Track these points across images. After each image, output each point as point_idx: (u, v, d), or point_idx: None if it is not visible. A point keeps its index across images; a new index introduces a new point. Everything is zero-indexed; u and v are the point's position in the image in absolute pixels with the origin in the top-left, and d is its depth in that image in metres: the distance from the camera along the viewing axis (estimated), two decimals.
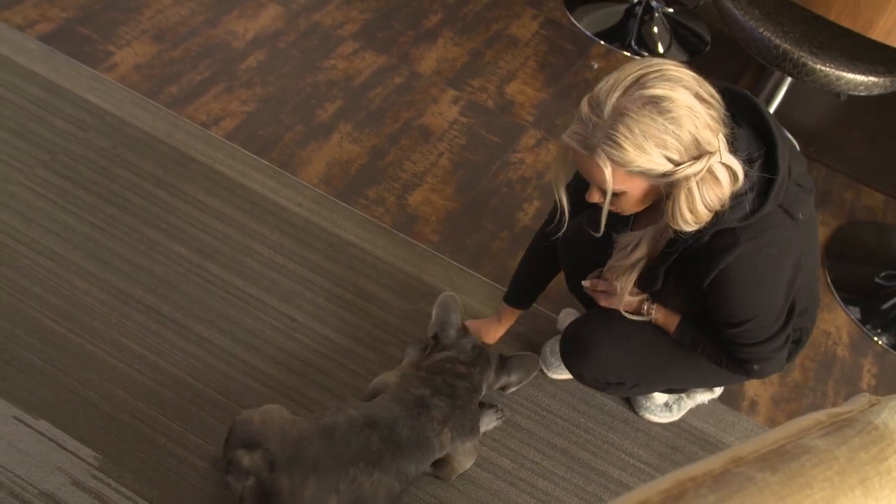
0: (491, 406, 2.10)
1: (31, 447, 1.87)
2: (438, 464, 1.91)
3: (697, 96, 1.34)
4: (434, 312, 2.07)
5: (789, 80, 2.73)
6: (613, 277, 1.69)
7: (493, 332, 2.19)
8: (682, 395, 2.17)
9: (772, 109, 2.86)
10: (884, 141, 3.28)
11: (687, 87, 1.34)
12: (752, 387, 2.34)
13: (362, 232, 2.44)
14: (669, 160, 1.35)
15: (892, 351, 2.56)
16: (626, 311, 1.77)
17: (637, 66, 1.36)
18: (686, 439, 2.19)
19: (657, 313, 1.76)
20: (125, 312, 2.15)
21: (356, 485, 1.69)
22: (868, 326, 2.61)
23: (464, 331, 2.04)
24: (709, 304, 1.63)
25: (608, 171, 1.39)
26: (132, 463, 1.89)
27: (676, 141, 1.34)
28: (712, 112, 1.36)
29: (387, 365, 2.15)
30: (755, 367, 1.72)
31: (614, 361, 1.89)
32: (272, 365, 2.12)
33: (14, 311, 2.10)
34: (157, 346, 2.10)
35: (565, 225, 1.66)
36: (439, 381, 1.90)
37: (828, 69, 2.26)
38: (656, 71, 1.34)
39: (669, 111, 1.32)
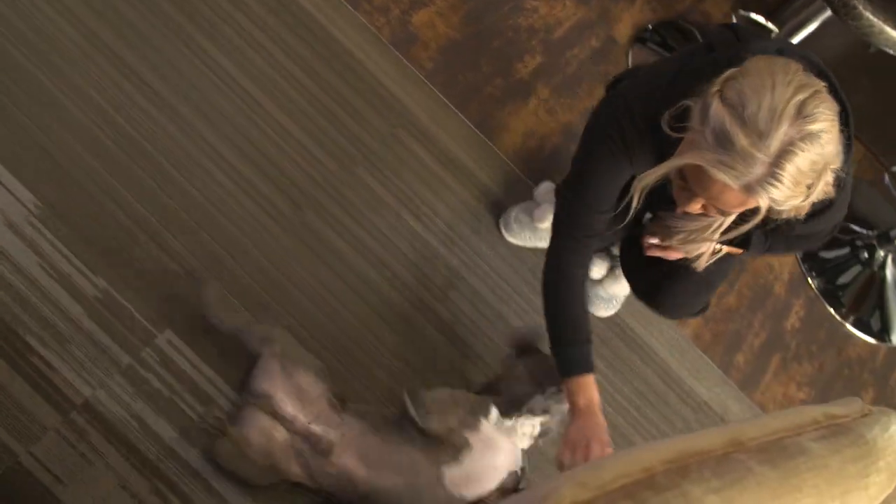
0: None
1: None
2: None
3: (837, 113, 1.27)
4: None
5: (828, 14, 2.62)
6: (681, 245, 1.64)
7: (599, 427, 1.65)
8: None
9: (795, 40, 2.77)
10: (887, 100, 3.24)
11: (833, 109, 1.25)
12: None
13: (358, 39, 2.28)
14: (807, 188, 1.27)
15: (822, 298, 2.65)
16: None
17: (790, 87, 1.22)
18: (616, 334, 2.24)
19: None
20: (89, 53, 1.97)
21: None
22: (806, 266, 2.67)
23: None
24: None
25: (763, 206, 1.28)
26: (74, 220, 1.80)
27: (820, 170, 1.26)
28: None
29: (350, 183, 2.09)
30: None
31: (698, 299, 1.90)
32: (231, 149, 2.01)
33: None
34: (119, 101, 1.95)
35: (625, 222, 1.57)
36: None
37: (874, 20, 2.16)
38: (813, 95, 1.22)
39: (828, 143, 1.24)
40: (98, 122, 1.91)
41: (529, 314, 2.16)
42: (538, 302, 2.16)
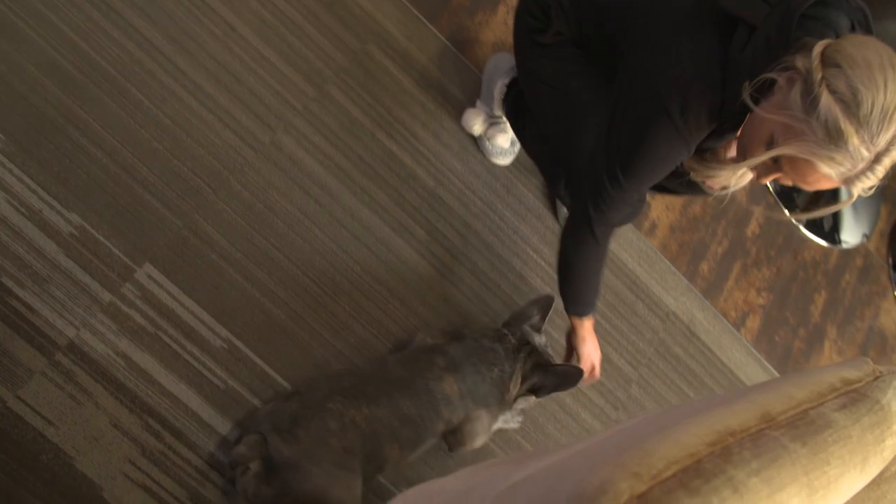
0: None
1: None
2: (451, 432, 1.82)
3: None
4: (530, 300, 1.95)
5: None
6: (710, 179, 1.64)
7: (593, 344, 1.96)
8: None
9: None
10: None
11: None
12: (656, 210, 2.43)
13: None
14: None
15: (778, 200, 2.71)
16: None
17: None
18: None
19: None
20: None
21: (349, 421, 1.61)
22: None
23: (537, 336, 1.91)
24: None
25: (856, 193, 1.33)
26: (39, 153, 1.72)
27: None
28: None
29: (324, 104, 2.02)
30: None
31: None
32: (201, 73, 1.92)
33: None
34: (83, 26, 1.83)
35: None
36: (466, 332, 1.83)
37: None
38: None
39: None
40: (62, 50, 1.79)
41: (504, 230, 2.17)
42: (512, 218, 2.19)
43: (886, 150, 1.26)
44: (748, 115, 1.40)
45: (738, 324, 2.47)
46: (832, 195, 2.87)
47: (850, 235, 2.88)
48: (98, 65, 1.82)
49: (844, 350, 2.67)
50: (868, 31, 1.39)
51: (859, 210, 2.91)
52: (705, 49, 1.40)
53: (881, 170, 1.28)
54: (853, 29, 1.37)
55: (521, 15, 1.82)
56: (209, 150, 1.87)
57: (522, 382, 1.84)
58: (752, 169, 1.44)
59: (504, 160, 2.20)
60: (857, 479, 0.94)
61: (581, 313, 1.86)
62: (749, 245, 2.57)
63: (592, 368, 1.96)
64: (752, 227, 2.60)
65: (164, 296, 1.75)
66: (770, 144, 1.34)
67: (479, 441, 1.85)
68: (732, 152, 1.63)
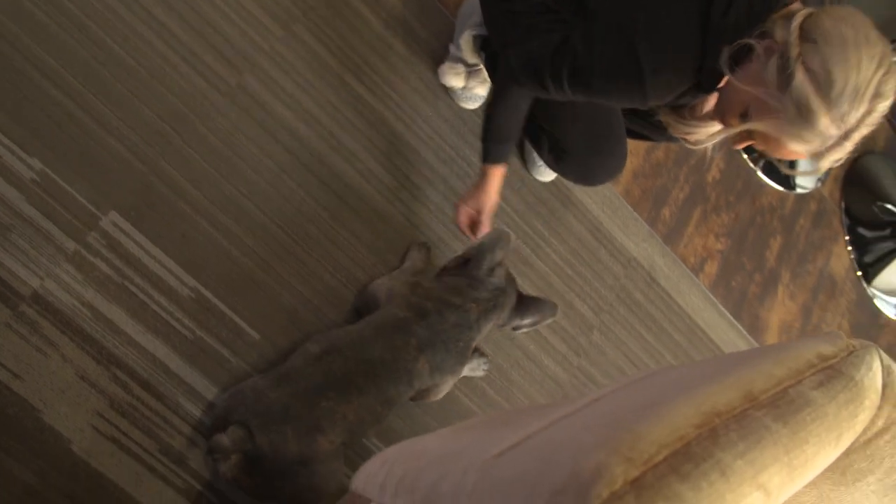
0: (482, 355, 2.01)
1: None
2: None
3: None
4: (481, 241, 1.85)
5: None
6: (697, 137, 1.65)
7: (489, 202, 1.92)
8: None
9: None
10: None
11: None
12: None
13: None
14: None
15: (742, 152, 2.74)
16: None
17: (873, 63, 1.25)
18: (553, 194, 2.27)
19: None
20: None
21: (339, 417, 1.60)
22: None
23: (500, 271, 1.86)
24: None
25: (825, 168, 1.37)
26: (6, 104, 1.64)
27: None
28: None
29: (292, 45, 1.97)
30: None
31: None
32: (164, 9, 1.84)
33: None
34: None
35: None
36: (430, 306, 1.77)
37: None
38: (890, 71, 1.25)
39: (884, 111, 1.29)
40: None
41: (471, 177, 2.16)
42: (479, 164, 2.17)
43: (856, 127, 1.29)
44: (726, 79, 1.41)
45: (697, 269, 2.52)
46: None
47: (806, 180, 2.93)
48: (59, 3, 1.73)
49: (797, 294, 2.75)
50: None
51: None
52: (686, 12, 1.40)
53: (849, 145, 1.31)
54: None
55: None
56: (174, 92, 1.81)
57: (502, 327, 1.89)
58: (729, 135, 1.47)
59: (473, 104, 2.17)
60: (831, 453, 0.98)
61: (501, 158, 1.85)
62: (709, 191, 2.60)
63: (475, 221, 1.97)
64: (713, 173, 2.63)
65: (131, 244, 1.71)
66: (745, 116, 1.36)
67: (442, 394, 1.89)
68: (709, 106, 1.65)
